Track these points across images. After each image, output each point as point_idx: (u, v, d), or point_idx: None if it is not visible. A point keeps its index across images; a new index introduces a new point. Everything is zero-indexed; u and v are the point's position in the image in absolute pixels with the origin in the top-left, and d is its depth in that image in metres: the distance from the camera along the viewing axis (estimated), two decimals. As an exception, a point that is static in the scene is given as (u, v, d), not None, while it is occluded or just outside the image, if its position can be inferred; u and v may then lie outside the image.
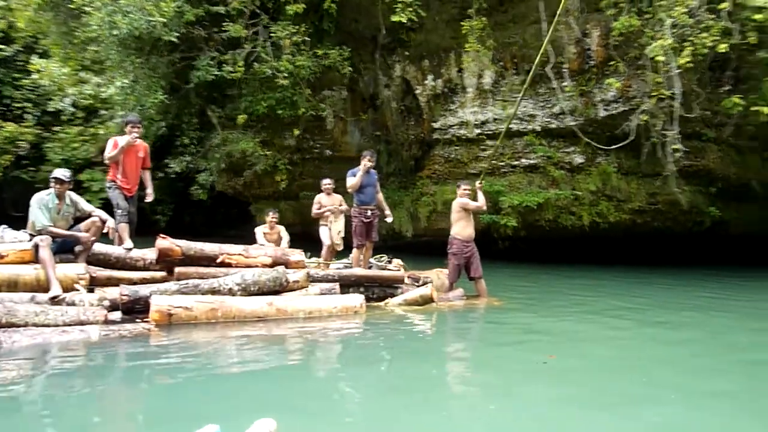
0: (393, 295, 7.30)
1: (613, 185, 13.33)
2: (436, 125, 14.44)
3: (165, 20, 10.59)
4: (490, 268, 8.92)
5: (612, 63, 12.01)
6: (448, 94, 14.18)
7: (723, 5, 10.14)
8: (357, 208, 7.90)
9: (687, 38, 10.25)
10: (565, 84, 12.86)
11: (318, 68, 12.99)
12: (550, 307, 7.72)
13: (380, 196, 8.23)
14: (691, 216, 13.89)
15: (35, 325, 4.71)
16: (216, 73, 12.08)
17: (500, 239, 14.41)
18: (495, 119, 13.72)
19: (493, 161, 13.87)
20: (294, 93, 13.04)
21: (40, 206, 5.61)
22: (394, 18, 11.64)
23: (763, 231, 14.27)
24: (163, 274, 6.07)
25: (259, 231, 8.80)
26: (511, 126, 13.65)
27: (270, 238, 8.74)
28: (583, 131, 12.99)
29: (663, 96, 11.34)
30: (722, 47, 10.11)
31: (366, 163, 7.76)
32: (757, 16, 9.98)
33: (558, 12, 7.52)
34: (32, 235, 5.56)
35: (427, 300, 7.05)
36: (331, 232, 8.94)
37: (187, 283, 5.69)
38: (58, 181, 5.75)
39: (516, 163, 13.93)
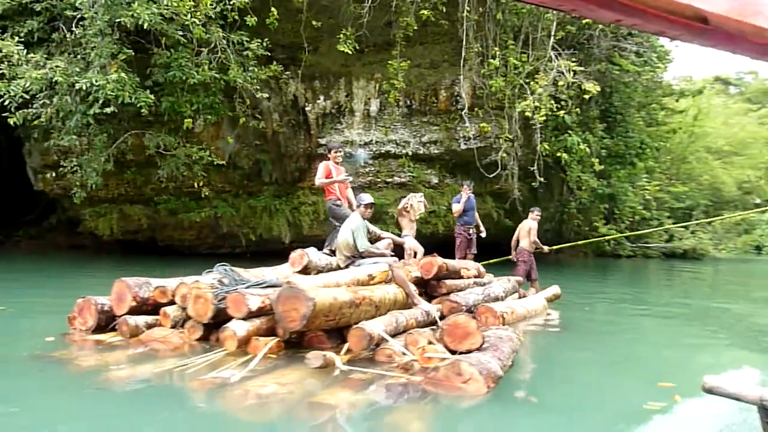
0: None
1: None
2: (322, 141, 15.88)
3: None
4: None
5: (475, 109, 15.65)
6: (335, 115, 15.82)
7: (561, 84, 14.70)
8: (461, 227, 9.58)
9: (542, 103, 14.47)
10: (432, 120, 16.02)
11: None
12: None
13: (476, 215, 9.82)
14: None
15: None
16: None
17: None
18: (376, 141, 15.98)
19: (370, 177, 16.15)
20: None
21: (362, 229, 6.05)
22: (340, 47, 12.92)
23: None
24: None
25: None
26: (389, 149, 16.24)
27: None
28: (444, 159, 16.36)
29: (509, 139, 15.49)
30: (561, 113, 14.69)
31: (465, 193, 9.48)
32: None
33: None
34: (345, 255, 5.94)
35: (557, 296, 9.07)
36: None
37: (487, 293, 6.92)
38: (370, 205, 6.32)
39: (389, 180, 16.42)
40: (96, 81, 8.85)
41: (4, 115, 10.14)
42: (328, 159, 7.79)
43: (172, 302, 5.29)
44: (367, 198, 6.45)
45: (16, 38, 9.27)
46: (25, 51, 9.15)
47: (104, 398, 3.78)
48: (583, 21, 15.26)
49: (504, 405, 3.78)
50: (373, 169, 16.22)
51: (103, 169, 11.93)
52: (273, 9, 12.82)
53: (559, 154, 16.02)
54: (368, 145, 15.99)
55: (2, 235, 19.83)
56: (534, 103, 14.23)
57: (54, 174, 15.36)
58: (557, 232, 21.30)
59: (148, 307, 5.28)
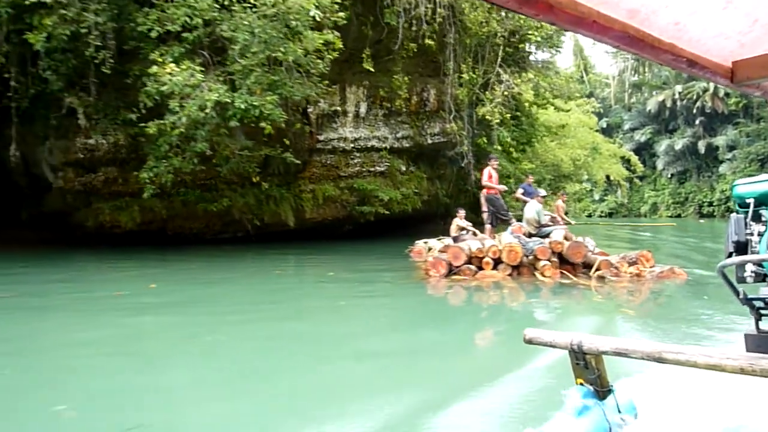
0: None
1: (423, 186, 21.00)
2: (320, 138, 18.62)
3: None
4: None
5: (439, 111, 19.65)
6: (332, 116, 18.65)
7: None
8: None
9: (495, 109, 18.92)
10: (404, 120, 19.70)
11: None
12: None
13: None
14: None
15: None
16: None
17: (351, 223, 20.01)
18: (363, 138, 19.19)
19: (357, 168, 19.37)
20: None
21: (541, 211, 9.47)
22: (365, 65, 15.90)
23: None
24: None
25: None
26: (373, 144, 19.59)
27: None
28: (412, 151, 20.16)
29: (465, 136, 19.84)
30: (507, 115, 19.36)
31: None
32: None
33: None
34: (533, 226, 9.47)
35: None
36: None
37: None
38: (542, 197, 9.78)
39: (372, 169, 19.74)
40: (251, 102, 10.93)
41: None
42: (488, 165, 11.17)
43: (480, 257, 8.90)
44: (542, 192, 10.27)
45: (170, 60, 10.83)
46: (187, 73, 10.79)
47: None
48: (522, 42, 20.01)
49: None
50: (360, 160, 19.41)
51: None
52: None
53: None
54: (357, 141, 19.13)
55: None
56: (492, 108, 18.65)
57: (76, 171, 16.15)
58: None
59: (472, 260, 8.70)
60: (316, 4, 10.91)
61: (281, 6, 10.65)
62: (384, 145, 19.66)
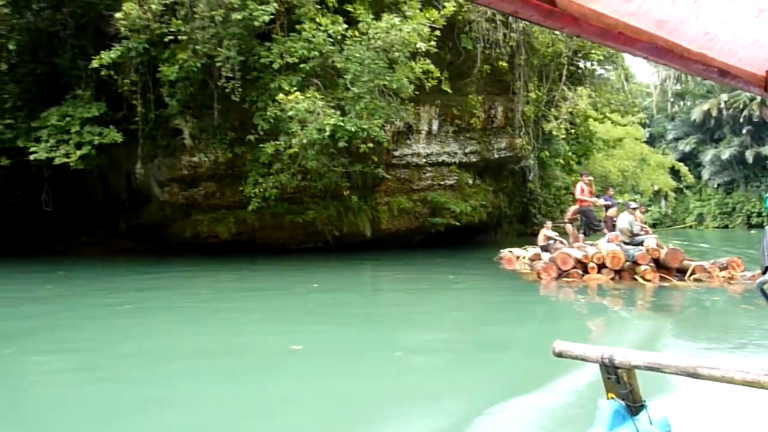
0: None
1: (488, 198, 22.09)
2: (396, 154, 19.90)
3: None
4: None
5: (506, 127, 20.75)
6: (406, 133, 19.92)
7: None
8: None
9: (561, 125, 19.95)
10: (472, 136, 20.86)
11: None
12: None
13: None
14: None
15: None
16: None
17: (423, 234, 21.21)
18: (435, 153, 20.41)
19: (429, 182, 20.58)
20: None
21: (633, 222, 10.50)
22: (444, 87, 17.14)
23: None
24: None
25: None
26: (444, 159, 20.78)
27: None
28: (478, 165, 21.29)
29: (530, 149, 20.88)
30: (572, 130, 20.34)
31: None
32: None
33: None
34: (627, 236, 10.52)
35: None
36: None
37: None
38: (633, 209, 10.82)
39: (442, 182, 20.93)
40: (360, 125, 12.28)
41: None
42: (581, 181, 12.25)
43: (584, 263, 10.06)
44: (633, 204, 11.29)
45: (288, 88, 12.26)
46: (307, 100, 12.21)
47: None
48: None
49: None
50: (431, 174, 20.62)
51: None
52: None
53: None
54: (429, 156, 20.36)
55: (63, 243, 21.03)
56: (559, 124, 19.69)
57: (180, 186, 17.78)
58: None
59: (578, 265, 9.83)
60: (420, 35, 12.20)
61: (388, 39, 11.95)
62: (453, 160, 20.82)
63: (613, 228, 14.38)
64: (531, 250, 13.37)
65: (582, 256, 10.21)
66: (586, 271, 10.03)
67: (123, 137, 14.84)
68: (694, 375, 1.98)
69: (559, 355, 2.31)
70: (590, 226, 12.50)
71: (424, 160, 20.30)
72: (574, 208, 13.55)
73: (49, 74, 16.63)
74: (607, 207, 14.18)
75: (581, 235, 12.31)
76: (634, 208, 11.06)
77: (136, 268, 15.68)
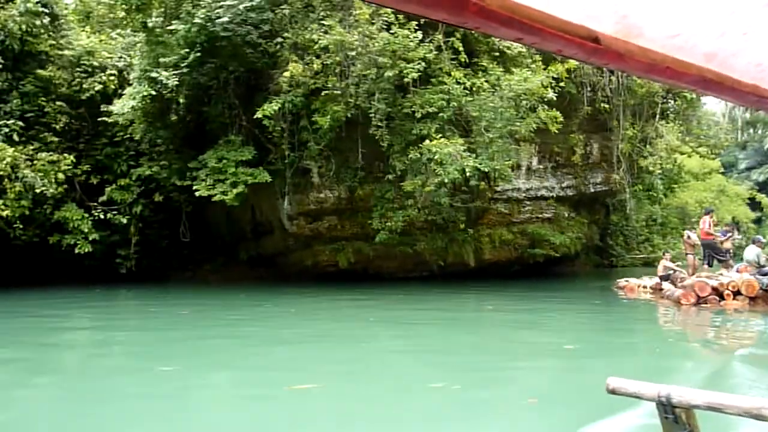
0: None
1: (583, 231, 23.12)
2: (497, 189, 21.29)
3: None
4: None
5: (601, 163, 21.85)
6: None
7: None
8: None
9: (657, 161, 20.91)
10: (569, 171, 22.04)
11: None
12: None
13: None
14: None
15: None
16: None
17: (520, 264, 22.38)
18: (534, 188, 21.70)
19: (528, 215, 21.82)
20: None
21: (761, 254, 11.52)
22: (552, 128, 18.50)
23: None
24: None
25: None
26: (542, 193, 22.02)
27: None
28: (574, 199, 22.41)
29: (626, 184, 21.87)
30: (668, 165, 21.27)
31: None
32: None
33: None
34: (755, 268, 11.53)
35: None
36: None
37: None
38: (762, 244, 11.82)
39: (540, 215, 22.14)
40: (492, 166, 13.83)
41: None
42: (706, 215, 13.37)
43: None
44: (761, 238, 12.26)
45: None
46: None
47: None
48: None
49: None
50: (530, 207, 21.88)
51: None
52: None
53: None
54: (528, 191, 21.66)
55: (191, 270, 23.29)
56: (655, 160, 20.68)
57: (306, 219, 19.68)
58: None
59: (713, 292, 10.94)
60: (545, 86, 13.73)
61: (519, 89, 13.51)
62: (551, 194, 22.03)
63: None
64: (648, 280, 14.42)
65: (717, 284, 11.21)
66: (722, 298, 11.06)
67: (271, 177, 16.83)
68: (759, 417, 1.87)
69: (613, 392, 2.21)
70: (716, 257, 13.47)
71: (524, 194, 21.58)
72: (690, 239, 14.54)
73: (197, 122, 18.94)
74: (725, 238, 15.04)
75: (706, 266, 13.30)
76: (764, 243, 12.03)
77: (268, 294, 17.55)
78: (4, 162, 15.81)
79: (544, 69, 14.43)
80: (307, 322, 12.04)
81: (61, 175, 17.58)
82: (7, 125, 16.95)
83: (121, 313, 15.55)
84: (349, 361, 7.97)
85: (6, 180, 16.01)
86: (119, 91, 18.88)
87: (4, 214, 15.96)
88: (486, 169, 13.90)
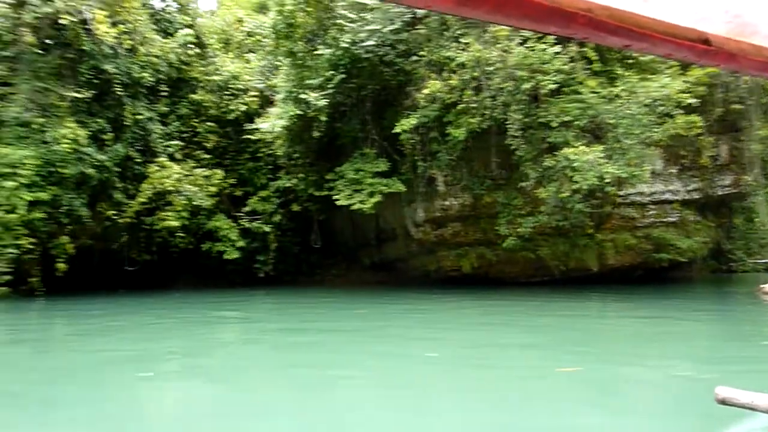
0: None
1: (710, 235, 22.48)
2: (620, 193, 21.20)
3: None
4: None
5: (730, 165, 21.19)
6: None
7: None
8: None
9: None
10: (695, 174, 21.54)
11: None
12: None
13: None
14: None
15: None
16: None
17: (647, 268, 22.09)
18: (658, 192, 21.41)
19: (652, 219, 21.54)
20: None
21: None
22: (683, 132, 18.33)
23: None
24: None
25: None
26: (667, 197, 21.66)
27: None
28: (699, 203, 21.85)
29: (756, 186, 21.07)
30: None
31: None
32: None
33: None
34: None
35: None
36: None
37: None
38: None
39: (664, 219, 21.79)
40: (630, 172, 14.14)
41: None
42: None
43: None
44: None
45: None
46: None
47: None
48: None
49: None
50: (654, 212, 21.60)
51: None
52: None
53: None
54: (653, 195, 21.39)
55: (319, 275, 24.85)
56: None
57: (432, 226, 20.57)
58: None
59: None
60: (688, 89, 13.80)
61: (658, 96, 13.67)
62: (676, 198, 21.62)
63: None
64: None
65: None
66: None
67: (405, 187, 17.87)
68: None
69: (722, 402, 2.09)
70: None
71: (648, 198, 21.34)
72: None
73: (330, 137, 20.35)
74: None
75: None
76: None
77: (394, 298, 18.52)
78: (171, 178, 17.85)
79: (681, 74, 14.44)
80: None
81: (213, 189, 19.51)
82: (170, 145, 19.10)
83: (316, 314, 16.31)
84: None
85: (173, 194, 18.07)
86: (259, 110, 20.70)
87: (173, 224, 18.00)
88: (625, 175, 14.12)
